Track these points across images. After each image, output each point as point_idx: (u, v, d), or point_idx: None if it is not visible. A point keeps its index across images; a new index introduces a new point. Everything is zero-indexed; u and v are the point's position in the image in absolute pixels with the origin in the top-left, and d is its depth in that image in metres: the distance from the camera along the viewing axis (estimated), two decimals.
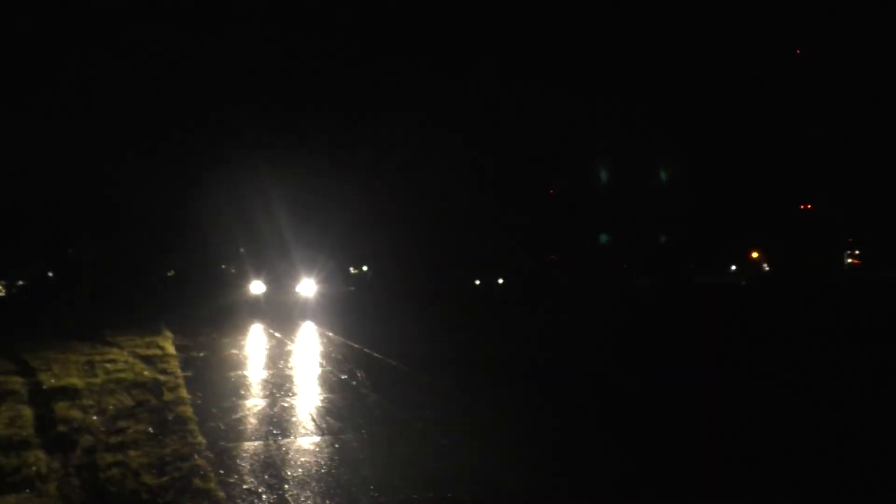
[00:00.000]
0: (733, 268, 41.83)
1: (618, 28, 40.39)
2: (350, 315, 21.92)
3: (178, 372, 11.16)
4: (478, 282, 41.26)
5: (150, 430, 7.30)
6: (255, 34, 46.74)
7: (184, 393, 9.40)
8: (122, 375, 10.67)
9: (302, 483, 5.69)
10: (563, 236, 43.19)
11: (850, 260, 36.75)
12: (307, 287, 22.72)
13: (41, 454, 6.33)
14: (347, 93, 46.13)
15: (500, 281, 41.80)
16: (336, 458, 6.40)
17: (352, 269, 47.93)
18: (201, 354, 13.61)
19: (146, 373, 10.97)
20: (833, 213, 35.26)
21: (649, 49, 38.87)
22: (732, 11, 36.49)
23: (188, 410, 8.32)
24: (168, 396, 9.16)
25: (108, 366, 11.52)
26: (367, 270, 48.32)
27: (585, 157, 41.95)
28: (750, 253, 40.54)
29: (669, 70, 38.14)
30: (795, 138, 35.03)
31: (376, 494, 5.37)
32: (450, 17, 45.38)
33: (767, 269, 39.83)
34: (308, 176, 43.39)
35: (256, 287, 23.12)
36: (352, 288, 40.63)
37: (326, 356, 13.42)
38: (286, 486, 5.60)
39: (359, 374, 10.96)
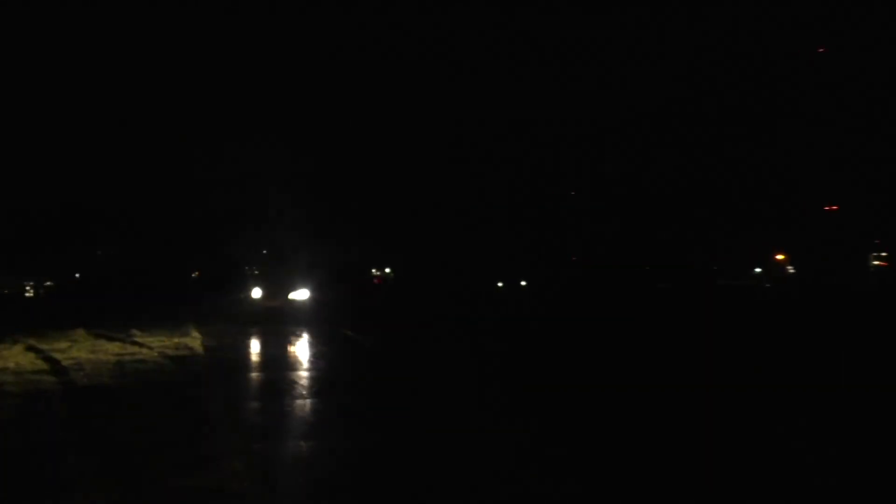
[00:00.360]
0: (757, 270, 41.39)
1: (632, 22, 40.11)
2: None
3: (208, 372, 11.31)
4: (500, 284, 41.22)
5: (184, 430, 7.39)
6: (275, 33, 47.12)
7: (215, 393, 9.51)
8: (152, 376, 10.84)
9: (334, 486, 5.75)
10: (585, 237, 43.02)
11: (876, 262, 36.24)
12: (301, 294, 21.95)
13: (77, 456, 6.39)
14: (369, 93, 46.33)
15: (523, 283, 41.73)
16: (362, 460, 6.48)
17: (374, 271, 48.05)
18: (229, 355, 13.77)
19: (176, 373, 11.12)
20: (859, 214, 34.77)
21: (663, 42, 38.57)
22: (754, 5, 36.16)
23: (220, 410, 8.41)
24: (199, 396, 9.28)
25: (139, 366, 11.70)
26: (390, 272, 48.44)
27: (604, 156, 41.73)
28: (774, 255, 40.11)
29: (687, 66, 37.83)
30: (819, 137, 34.63)
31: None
32: (464, 14, 45.37)
33: (792, 270, 39.38)
34: (327, 179, 43.66)
35: (256, 293, 22.04)
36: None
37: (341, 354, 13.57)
38: (320, 488, 5.67)
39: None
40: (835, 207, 35.74)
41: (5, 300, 35.70)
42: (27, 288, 42.43)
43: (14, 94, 43.48)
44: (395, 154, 43.19)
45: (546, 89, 41.66)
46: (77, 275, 42.20)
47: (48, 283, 38.78)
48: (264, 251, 50.10)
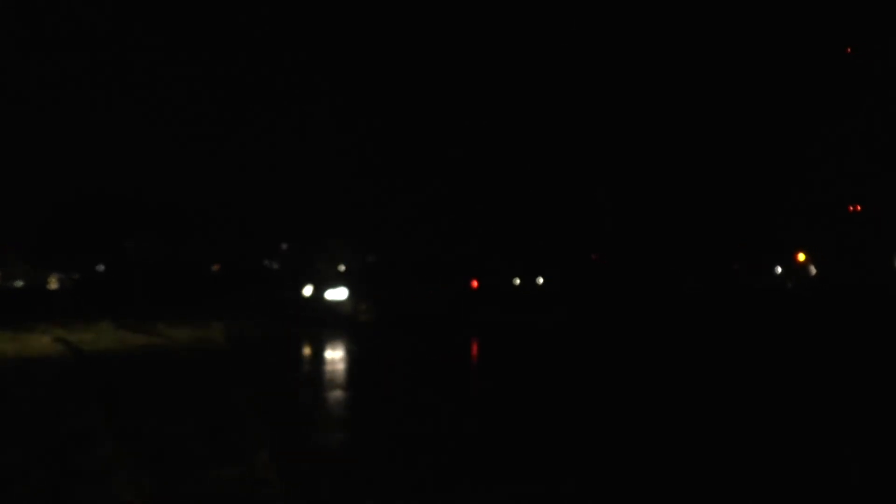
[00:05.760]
0: (778, 269, 40.96)
1: (660, 19, 39.66)
2: None
3: (230, 366, 11.46)
4: (517, 281, 41.02)
5: (210, 422, 7.39)
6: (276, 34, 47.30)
7: (238, 386, 9.57)
8: (178, 368, 11.01)
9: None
10: (605, 235, 42.78)
11: None
12: (339, 293, 20.57)
13: (110, 445, 6.44)
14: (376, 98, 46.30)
15: (540, 281, 41.53)
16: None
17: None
18: (251, 348, 13.93)
19: (201, 366, 11.29)
20: (883, 214, 34.32)
21: (690, 39, 38.13)
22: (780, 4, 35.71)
23: (243, 403, 8.43)
24: (222, 390, 9.39)
25: (164, 358, 11.88)
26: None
27: (626, 155, 41.39)
28: (796, 254, 39.69)
29: (711, 64, 37.47)
30: (844, 137, 34.22)
31: None
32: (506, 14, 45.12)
33: (814, 271, 38.96)
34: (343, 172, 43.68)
35: (308, 290, 21.10)
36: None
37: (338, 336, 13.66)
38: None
39: None
40: (858, 208, 35.27)
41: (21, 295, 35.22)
42: (50, 281, 42.81)
43: (40, 84, 44.10)
44: (411, 147, 43.13)
45: (563, 87, 41.40)
46: (100, 268, 42.37)
47: (76, 276, 38.89)
48: (283, 245, 50.37)
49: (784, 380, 10.61)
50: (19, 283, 41.60)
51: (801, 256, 39.75)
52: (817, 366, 12.08)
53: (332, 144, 43.39)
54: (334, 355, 13.74)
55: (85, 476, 5.51)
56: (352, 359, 13.16)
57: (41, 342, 13.76)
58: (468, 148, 42.43)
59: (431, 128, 43.38)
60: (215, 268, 46.39)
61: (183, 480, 5.48)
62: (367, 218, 42.51)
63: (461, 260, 36.00)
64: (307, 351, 14.27)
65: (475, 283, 20.96)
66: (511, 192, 42.65)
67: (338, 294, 20.06)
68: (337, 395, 9.64)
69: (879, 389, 9.75)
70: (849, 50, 33.78)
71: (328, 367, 12.22)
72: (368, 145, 43.50)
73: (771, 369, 11.65)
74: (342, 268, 34.55)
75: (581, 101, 40.48)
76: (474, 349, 14.76)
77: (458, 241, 40.52)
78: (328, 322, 19.04)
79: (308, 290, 20.92)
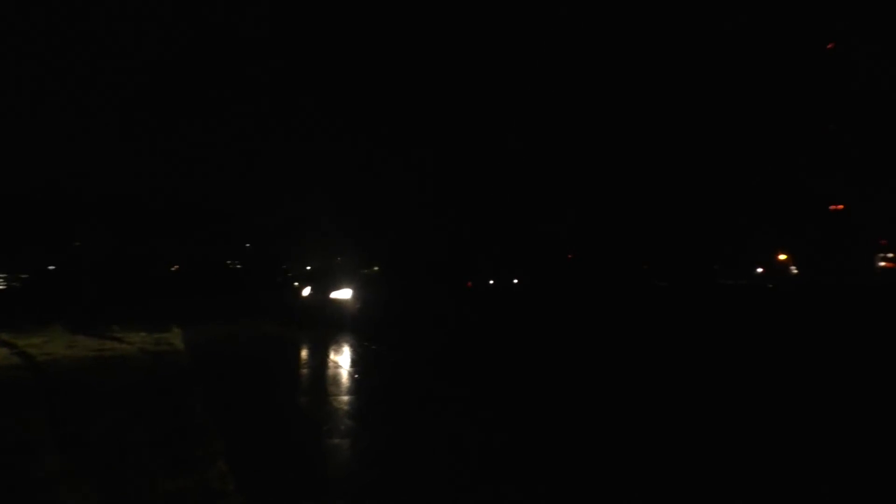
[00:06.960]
0: (759, 270, 41.10)
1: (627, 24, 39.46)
2: None
3: (188, 367, 10.80)
4: (491, 281, 40.71)
5: (164, 430, 6.77)
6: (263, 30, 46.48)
7: (195, 390, 8.95)
8: (132, 372, 10.18)
9: None
10: (581, 235, 42.59)
11: (882, 263, 35.99)
12: (344, 293, 21.08)
13: (55, 457, 5.86)
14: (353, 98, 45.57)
15: (515, 281, 41.26)
16: None
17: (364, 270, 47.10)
18: (210, 350, 13.27)
19: (157, 370, 10.50)
20: (865, 214, 34.44)
21: (666, 35, 38.00)
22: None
23: (199, 409, 7.82)
24: (179, 394, 8.70)
25: (119, 362, 11.03)
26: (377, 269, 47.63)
27: (603, 154, 41.15)
28: (777, 254, 39.85)
29: (691, 58, 37.42)
30: (825, 137, 34.34)
31: None
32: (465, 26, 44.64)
33: (795, 271, 39.03)
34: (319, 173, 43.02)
35: (307, 290, 22.02)
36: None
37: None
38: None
39: None
40: (840, 207, 35.37)
41: None
42: None
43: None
44: (384, 148, 42.63)
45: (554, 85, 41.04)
46: (51, 267, 40.55)
47: (24, 276, 37.21)
48: (247, 244, 49.38)
49: (757, 377, 10.29)
50: None
51: (783, 256, 39.97)
52: (796, 362, 11.86)
53: (309, 143, 42.77)
54: (304, 358, 13.19)
55: (31, 487, 5.12)
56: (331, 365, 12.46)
57: None
58: (442, 149, 42.00)
59: (406, 130, 42.87)
60: (174, 268, 45.02)
61: (133, 491, 5.10)
62: (337, 218, 41.90)
63: (451, 261, 36.80)
64: (272, 353, 13.55)
65: (469, 284, 23.45)
66: (485, 194, 42.37)
67: (343, 294, 21.10)
68: (306, 400, 9.04)
69: (857, 386, 9.45)
70: (830, 46, 33.82)
71: (298, 372, 11.59)
72: (342, 145, 42.93)
73: (741, 369, 11.26)
74: (308, 267, 34.14)
75: (564, 98, 40.17)
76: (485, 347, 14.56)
77: (436, 243, 40.20)
78: (324, 321, 18.99)
79: (307, 291, 21.94)
